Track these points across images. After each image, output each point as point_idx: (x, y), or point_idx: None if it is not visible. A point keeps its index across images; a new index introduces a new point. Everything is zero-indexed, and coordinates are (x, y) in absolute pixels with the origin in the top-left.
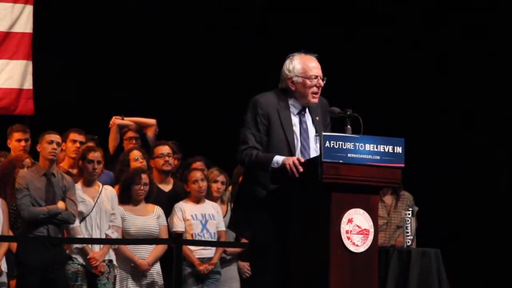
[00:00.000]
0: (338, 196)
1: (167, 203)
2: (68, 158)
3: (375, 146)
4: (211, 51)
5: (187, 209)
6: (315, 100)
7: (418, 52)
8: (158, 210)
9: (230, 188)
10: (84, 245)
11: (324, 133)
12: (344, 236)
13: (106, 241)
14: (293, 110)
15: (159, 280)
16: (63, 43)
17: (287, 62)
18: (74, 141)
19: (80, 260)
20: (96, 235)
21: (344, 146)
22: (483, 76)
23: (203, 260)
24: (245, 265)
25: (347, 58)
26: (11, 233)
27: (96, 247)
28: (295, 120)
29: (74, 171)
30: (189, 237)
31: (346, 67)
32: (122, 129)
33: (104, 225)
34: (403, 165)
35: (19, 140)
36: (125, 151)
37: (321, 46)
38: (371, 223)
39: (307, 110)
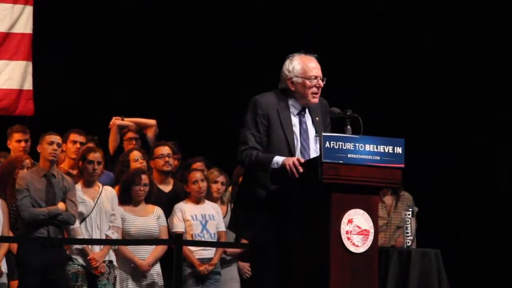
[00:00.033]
0: (338, 197)
1: (167, 204)
2: (68, 159)
3: (375, 146)
4: (211, 51)
5: (187, 210)
6: (315, 101)
7: (418, 52)
8: (158, 210)
9: (230, 188)
10: (84, 245)
11: (324, 134)
12: (344, 237)
13: (106, 241)
14: (293, 110)
15: (159, 280)
16: (63, 43)
17: (287, 62)
18: (75, 142)
19: (80, 261)
20: (96, 235)
21: (344, 146)
22: (483, 76)
23: (203, 261)
24: (246, 266)
25: (347, 58)
26: (11, 234)
27: (96, 248)
28: (295, 120)
29: (75, 172)
30: (189, 238)
31: (346, 67)
32: (122, 129)
33: (104, 226)
34: (403, 165)
35: (19, 141)
36: (125, 152)
37: (321, 46)
38: (371, 224)
39: (307, 110)
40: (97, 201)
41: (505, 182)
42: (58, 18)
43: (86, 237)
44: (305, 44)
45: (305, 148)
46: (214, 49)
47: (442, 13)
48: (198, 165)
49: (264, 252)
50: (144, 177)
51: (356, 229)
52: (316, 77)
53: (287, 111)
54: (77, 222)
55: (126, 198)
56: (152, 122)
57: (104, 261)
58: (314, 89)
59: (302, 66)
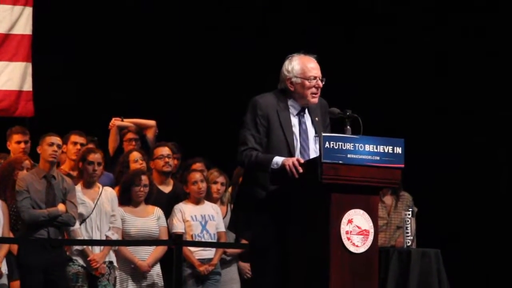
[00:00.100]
0: (338, 197)
1: (167, 205)
2: (69, 161)
3: (374, 146)
4: (211, 51)
5: (186, 210)
6: (315, 101)
7: (418, 52)
8: (158, 211)
9: (230, 189)
10: (85, 246)
11: (323, 134)
12: (344, 237)
13: (106, 242)
14: (293, 111)
15: (159, 281)
16: (62, 44)
17: (286, 62)
18: (75, 143)
19: (81, 261)
20: (96, 236)
21: (344, 146)
22: (483, 76)
23: (203, 261)
24: (246, 266)
25: (347, 58)
26: (11, 235)
27: (97, 249)
28: (294, 121)
29: (75, 173)
30: (189, 238)
31: (346, 67)
32: (121, 130)
33: (104, 227)
34: (403, 165)
35: (18, 142)
36: (125, 153)
37: (321, 46)
38: (371, 224)
39: (306, 111)
40: (97, 202)
41: (505, 182)
42: (58, 19)
43: (86, 238)
44: (305, 44)
45: (304, 149)
46: (214, 49)
47: (442, 13)
48: (198, 165)
49: (264, 252)
50: (144, 178)
51: (356, 229)
52: (315, 78)
53: (287, 112)
54: (77, 223)
55: (126, 199)
56: (152, 123)
57: (104, 262)
58: (313, 90)
59: (301, 66)
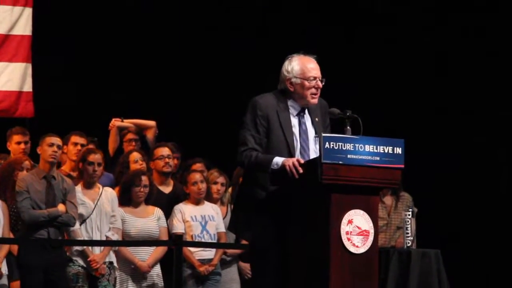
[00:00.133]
0: (338, 197)
1: (167, 205)
2: (69, 161)
3: (374, 147)
4: (211, 51)
5: (186, 211)
6: (314, 101)
7: (418, 52)
8: (158, 212)
9: (230, 189)
10: (85, 247)
11: (323, 134)
12: (344, 237)
13: (106, 243)
14: (292, 111)
15: (159, 282)
16: (62, 45)
17: (286, 63)
18: (76, 144)
19: (81, 262)
20: (96, 237)
21: (344, 147)
22: (483, 76)
23: (203, 262)
24: (246, 266)
25: (347, 58)
26: (11, 235)
27: (97, 249)
28: (294, 121)
29: (76, 174)
30: (189, 239)
31: (346, 67)
32: (121, 131)
33: (104, 227)
34: (403, 166)
35: (18, 143)
36: (125, 153)
37: (321, 46)
38: (371, 224)
39: (306, 111)
40: (97, 202)
41: (505, 182)
42: (58, 19)
43: (86, 238)
44: (305, 44)
45: (304, 149)
46: (214, 49)
47: (442, 13)
48: (198, 166)
49: (264, 253)
50: (144, 178)
51: (356, 229)
52: (315, 78)
53: (287, 112)
54: (77, 224)
55: (126, 200)
56: (152, 123)
57: (104, 263)
58: (313, 90)
59: (301, 67)
